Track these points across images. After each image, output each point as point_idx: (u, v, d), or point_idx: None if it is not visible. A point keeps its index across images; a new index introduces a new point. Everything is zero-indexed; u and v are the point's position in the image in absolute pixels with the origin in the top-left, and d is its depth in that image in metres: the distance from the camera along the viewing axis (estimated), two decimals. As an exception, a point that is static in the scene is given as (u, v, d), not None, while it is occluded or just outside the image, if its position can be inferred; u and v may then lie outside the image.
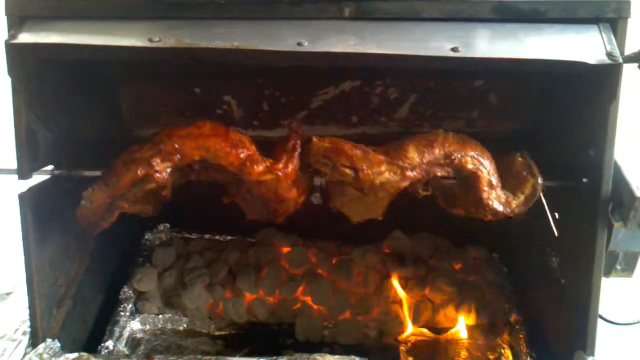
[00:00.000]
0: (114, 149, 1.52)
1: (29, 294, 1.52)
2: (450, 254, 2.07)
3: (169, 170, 1.42)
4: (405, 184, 1.45)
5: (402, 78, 1.84)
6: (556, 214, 1.66)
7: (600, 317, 1.49)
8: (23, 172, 1.45)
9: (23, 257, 1.50)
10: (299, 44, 1.29)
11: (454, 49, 1.28)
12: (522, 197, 1.48)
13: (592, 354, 1.46)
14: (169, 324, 1.89)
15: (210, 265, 2.04)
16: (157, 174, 1.40)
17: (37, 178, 1.51)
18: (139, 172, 1.40)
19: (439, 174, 1.47)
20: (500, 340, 1.80)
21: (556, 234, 1.64)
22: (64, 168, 1.54)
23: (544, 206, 1.67)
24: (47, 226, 1.56)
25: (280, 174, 1.40)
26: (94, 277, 1.85)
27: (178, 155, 1.41)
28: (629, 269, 1.48)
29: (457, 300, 1.91)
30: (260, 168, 1.40)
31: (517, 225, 1.86)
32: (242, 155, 1.41)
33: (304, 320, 1.90)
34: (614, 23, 1.33)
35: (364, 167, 1.42)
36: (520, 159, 1.55)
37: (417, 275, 1.99)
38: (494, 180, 1.47)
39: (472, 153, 1.47)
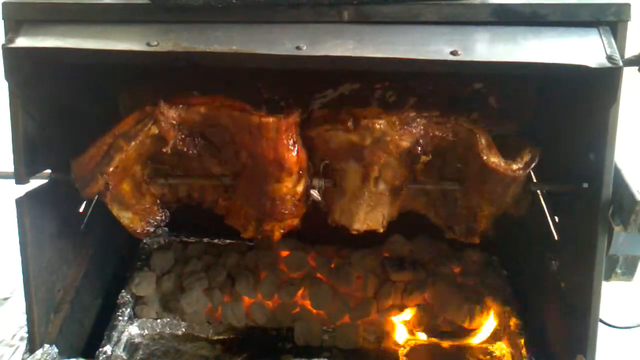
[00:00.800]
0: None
1: (26, 299, 1.51)
2: (450, 257, 2.06)
3: (173, 122, 1.47)
4: (405, 143, 1.47)
5: (401, 81, 1.84)
6: (556, 218, 1.65)
7: (601, 321, 1.48)
8: (20, 177, 1.44)
9: (20, 262, 1.49)
10: (298, 47, 1.28)
11: (453, 53, 1.27)
12: (521, 163, 1.51)
13: (593, 358, 1.45)
14: (168, 329, 1.88)
15: (209, 269, 2.04)
16: (162, 116, 1.44)
17: (35, 182, 1.51)
18: (146, 108, 1.45)
19: (437, 133, 1.50)
20: (500, 344, 1.79)
21: (556, 237, 1.63)
22: (62, 172, 1.53)
23: (543, 209, 1.67)
24: (44, 231, 1.56)
25: (281, 118, 1.43)
26: (92, 281, 1.85)
27: (184, 105, 1.48)
28: (629, 273, 1.47)
29: (457, 305, 1.90)
30: (262, 113, 1.45)
31: (517, 229, 1.86)
32: (245, 107, 1.48)
33: (303, 325, 1.89)
34: (614, 26, 1.32)
35: (364, 115, 1.48)
36: (513, 141, 1.60)
37: (416, 279, 1.98)
38: (492, 147, 1.50)
39: (466, 119, 1.53)
